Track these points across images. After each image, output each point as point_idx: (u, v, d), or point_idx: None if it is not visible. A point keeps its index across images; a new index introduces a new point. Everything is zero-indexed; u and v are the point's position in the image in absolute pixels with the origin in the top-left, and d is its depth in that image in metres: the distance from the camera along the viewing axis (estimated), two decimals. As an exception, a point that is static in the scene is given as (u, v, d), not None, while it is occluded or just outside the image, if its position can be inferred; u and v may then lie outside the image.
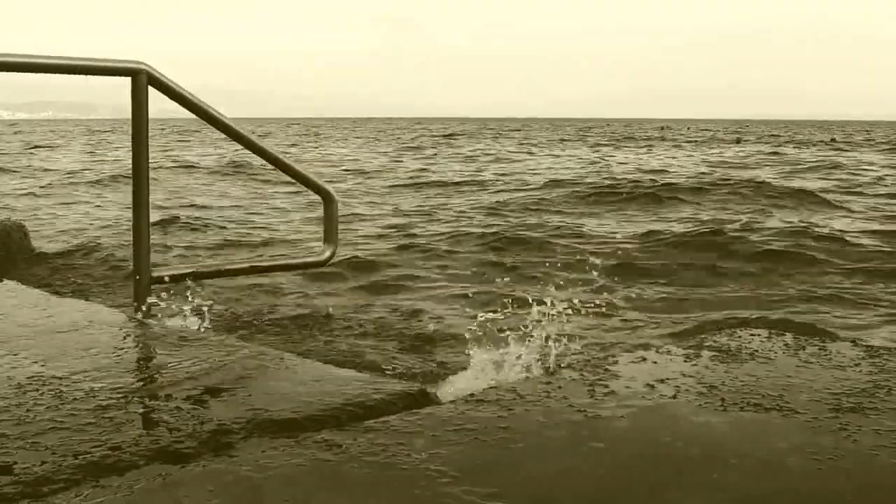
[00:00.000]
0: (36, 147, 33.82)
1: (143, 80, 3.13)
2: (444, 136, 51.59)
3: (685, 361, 2.18)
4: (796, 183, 17.06)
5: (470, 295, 6.50)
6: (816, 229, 10.18)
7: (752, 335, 2.43)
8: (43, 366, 2.19)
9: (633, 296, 6.57)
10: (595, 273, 6.57)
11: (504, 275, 7.29)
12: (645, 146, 38.46)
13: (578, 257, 7.56)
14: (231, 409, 1.86)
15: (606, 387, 1.97)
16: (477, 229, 10.34)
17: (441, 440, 1.66)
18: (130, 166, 3.19)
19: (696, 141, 46.06)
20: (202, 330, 2.85)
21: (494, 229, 10.29)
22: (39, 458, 1.59)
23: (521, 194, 14.84)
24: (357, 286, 7.15)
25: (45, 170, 20.85)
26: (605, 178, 17.63)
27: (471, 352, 2.86)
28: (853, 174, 20.30)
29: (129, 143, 3.13)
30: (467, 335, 2.97)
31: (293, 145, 37.44)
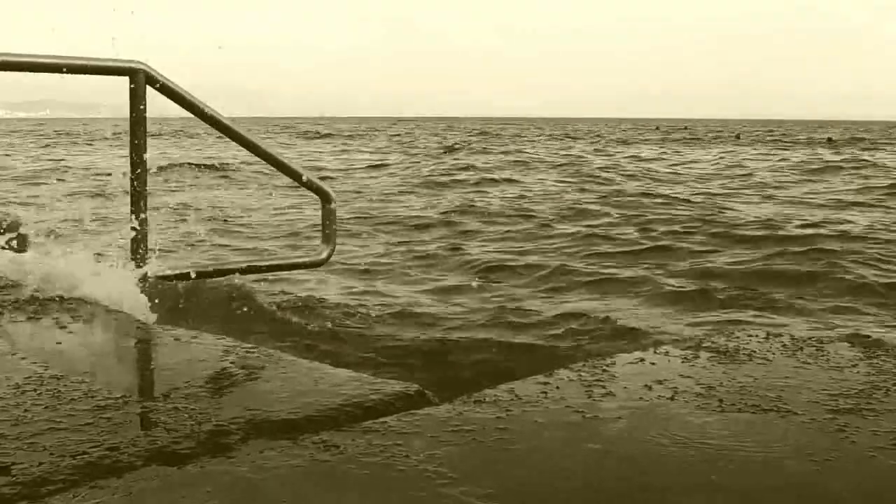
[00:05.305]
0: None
1: (141, 79, 3.14)
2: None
3: (683, 362, 2.18)
4: None
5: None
6: None
7: (749, 336, 2.43)
8: (41, 366, 2.19)
9: None
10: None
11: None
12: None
13: None
14: (229, 409, 1.86)
15: (604, 388, 1.97)
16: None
17: (439, 441, 1.66)
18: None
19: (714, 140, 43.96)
20: (199, 330, 2.85)
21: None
22: (37, 459, 1.59)
23: None
24: (355, 285, 7.15)
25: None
26: None
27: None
28: None
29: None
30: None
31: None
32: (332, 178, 18.42)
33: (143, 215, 3.21)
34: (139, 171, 3.20)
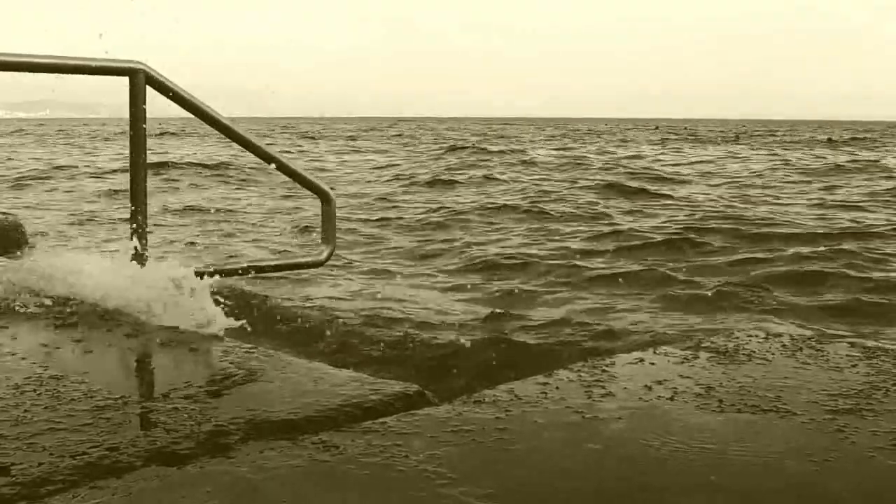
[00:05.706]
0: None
1: (140, 79, 3.13)
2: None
3: (683, 363, 2.18)
4: None
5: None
6: None
7: (749, 336, 2.43)
8: (40, 366, 2.19)
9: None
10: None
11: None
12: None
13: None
14: (228, 409, 1.86)
15: (604, 388, 1.97)
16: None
17: (439, 441, 1.66)
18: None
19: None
20: (199, 330, 2.85)
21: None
22: (37, 459, 1.59)
23: None
24: (353, 286, 7.16)
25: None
26: None
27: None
28: None
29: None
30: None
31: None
32: (332, 178, 18.43)
33: (143, 216, 3.21)
34: (139, 171, 3.20)
